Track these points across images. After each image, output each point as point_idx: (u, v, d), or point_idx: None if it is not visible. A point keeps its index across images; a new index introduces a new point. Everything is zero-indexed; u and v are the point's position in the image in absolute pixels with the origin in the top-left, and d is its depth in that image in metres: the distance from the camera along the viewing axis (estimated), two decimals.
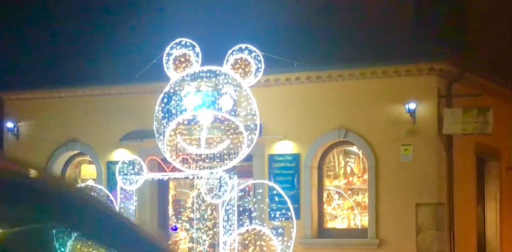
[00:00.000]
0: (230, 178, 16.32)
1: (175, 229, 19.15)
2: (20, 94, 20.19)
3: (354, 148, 17.51)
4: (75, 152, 19.86)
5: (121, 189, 17.05)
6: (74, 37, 23.99)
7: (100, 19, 23.50)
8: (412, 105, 16.39)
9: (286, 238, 15.78)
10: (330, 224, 17.75)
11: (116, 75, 19.29)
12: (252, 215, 17.08)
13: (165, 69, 16.64)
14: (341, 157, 17.81)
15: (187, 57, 16.61)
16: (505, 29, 20.45)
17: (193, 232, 18.55)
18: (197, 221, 18.33)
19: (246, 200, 17.63)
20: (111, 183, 18.38)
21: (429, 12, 20.44)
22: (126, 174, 17.02)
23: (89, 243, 3.03)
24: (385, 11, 20.26)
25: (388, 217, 16.66)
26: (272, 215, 17.05)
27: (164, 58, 16.62)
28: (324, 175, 17.79)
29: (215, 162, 16.51)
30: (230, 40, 17.06)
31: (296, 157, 17.61)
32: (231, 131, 16.19)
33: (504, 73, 19.34)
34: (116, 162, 17.66)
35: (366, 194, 17.25)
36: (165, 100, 16.76)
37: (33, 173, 2.56)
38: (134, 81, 18.33)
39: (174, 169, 17.01)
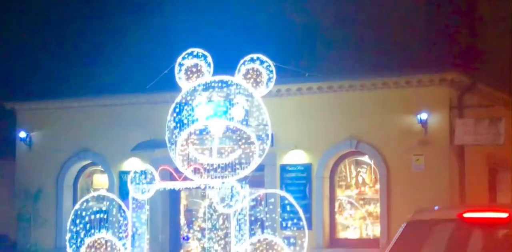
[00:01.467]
0: (241, 187, 16.19)
1: (187, 239, 19.08)
2: (33, 104, 20.28)
3: (365, 158, 17.50)
4: (87, 162, 19.89)
5: (133, 198, 16.88)
6: (86, 48, 24.15)
7: (112, 30, 23.65)
8: (423, 116, 16.42)
9: (297, 248, 15.52)
10: (342, 234, 17.70)
11: (127, 85, 19.40)
12: (264, 224, 16.85)
13: (177, 79, 16.50)
14: (352, 167, 17.79)
15: (199, 67, 16.46)
16: None
17: (204, 242, 18.17)
18: (208, 231, 18.05)
19: (258, 209, 17.38)
20: (123, 193, 18.12)
21: (440, 23, 20.49)
22: (138, 184, 16.98)
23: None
24: (396, 23, 20.35)
25: (400, 227, 16.56)
26: (284, 225, 17.00)
27: (176, 68, 16.42)
28: (335, 185, 17.75)
29: (226, 172, 16.55)
30: (241, 50, 16.98)
31: (307, 167, 17.62)
32: (243, 141, 15.84)
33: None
34: (128, 172, 17.20)
35: (378, 204, 17.22)
36: (177, 110, 16.40)
37: None
38: (145, 91, 18.15)
39: (185, 179, 17.02)
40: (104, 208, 17.47)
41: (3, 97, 21.02)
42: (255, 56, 15.87)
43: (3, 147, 21.46)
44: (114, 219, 17.22)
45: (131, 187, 16.57)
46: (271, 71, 15.72)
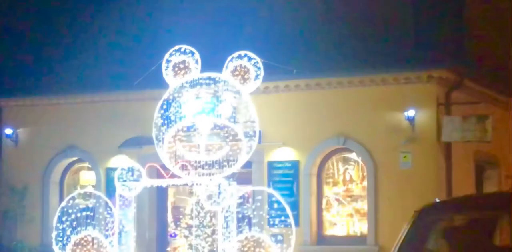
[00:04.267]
0: (229, 184, 16.17)
1: (174, 236, 19.09)
2: (19, 101, 20.23)
3: (353, 155, 17.48)
4: (74, 158, 19.84)
5: (120, 195, 16.79)
6: (73, 44, 24.01)
7: (99, 26, 23.54)
8: (411, 113, 16.44)
9: (285, 245, 15.55)
10: (329, 231, 17.71)
11: (115, 82, 19.32)
12: (251, 222, 16.82)
13: (164, 76, 16.45)
14: (340, 164, 17.76)
15: (186, 64, 16.41)
16: (504, 36, 20.58)
17: (192, 239, 18.04)
18: (196, 228, 18.08)
19: (245, 207, 17.22)
20: (110, 190, 18.12)
21: (428, 20, 20.53)
22: (125, 181, 16.91)
23: None
24: (384, 19, 20.34)
25: (387, 224, 16.64)
26: (271, 222, 16.94)
27: (163, 65, 16.39)
28: (323, 182, 17.74)
29: (214, 169, 16.42)
30: (229, 47, 16.98)
31: (295, 164, 17.61)
32: (230, 137, 15.95)
33: (504, 81, 19.40)
34: (115, 169, 17.42)
35: (365, 201, 17.20)
36: (164, 106, 16.48)
37: None
38: (133, 88, 18.34)
39: (173, 176, 16.83)
40: (90, 205, 17.59)
41: None
42: (242, 53, 15.89)
43: None
44: (100, 216, 17.18)
45: (118, 184, 16.53)
46: (259, 68, 15.73)
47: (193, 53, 16.30)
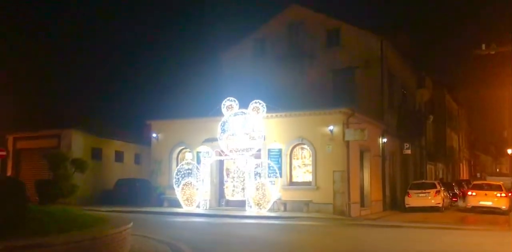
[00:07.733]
0: (250, 158, 17.50)
1: (226, 181, 19.55)
2: (158, 120, 20.61)
3: (306, 146, 17.91)
4: (182, 147, 19.93)
5: (203, 164, 18.20)
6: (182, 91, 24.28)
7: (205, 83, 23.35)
8: (331, 127, 17.31)
9: (275, 185, 17.01)
10: (294, 179, 18.05)
11: (202, 111, 19.89)
12: (260, 175, 17.80)
13: (222, 110, 18.01)
14: (300, 150, 18.19)
15: (232, 105, 18.09)
16: (376, 96, 21.01)
17: (233, 182, 19.20)
18: (235, 178, 18.98)
19: (258, 168, 17.92)
20: (198, 161, 19.20)
21: (339, 90, 21.28)
22: (205, 157, 18.28)
23: None
24: (319, 94, 20.82)
25: (321, 176, 17.20)
26: (270, 176, 17.69)
27: (222, 105, 17.98)
28: (293, 157, 18.08)
29: (245, 151, 17.64)
30: (252, 98, 18.34)
31: (280, 150, 18.12)
32: (251, 137, 17.57)
33: (373, 114, 20.00)
34: (200, 152, 18.80)
35: (311, 166, 17.67)
36: (222, 124, 18.15)
37: None
38: (209, 115, 19.04)
39: (226, 155, 18.04)
40: (190, 167, 19.15)
41: (145, 116, 21.32)
42: (257, 100, 17.28)
43: (148, 141, 21.27)
44: (194, 173, 18.65)
45: (202, 159, 18.05)
46: (264, 107, 17.29)
47: (235, 101, 17.97)
